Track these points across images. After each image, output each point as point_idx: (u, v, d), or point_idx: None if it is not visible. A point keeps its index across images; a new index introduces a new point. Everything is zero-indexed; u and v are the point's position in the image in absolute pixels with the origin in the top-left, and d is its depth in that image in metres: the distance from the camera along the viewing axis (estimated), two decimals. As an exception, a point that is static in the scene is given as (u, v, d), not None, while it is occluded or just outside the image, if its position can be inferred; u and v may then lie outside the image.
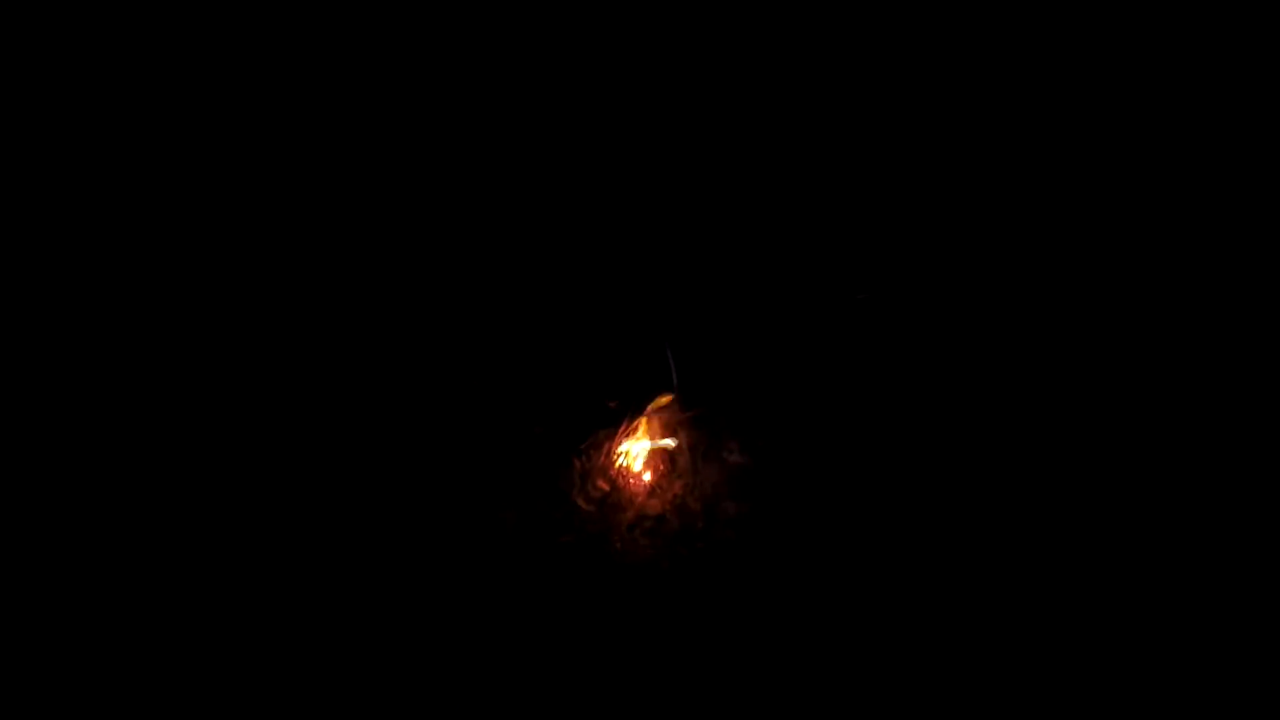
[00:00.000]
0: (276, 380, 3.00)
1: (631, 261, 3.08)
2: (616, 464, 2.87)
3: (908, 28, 3.17)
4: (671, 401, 2.89)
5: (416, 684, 2.60)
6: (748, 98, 3.18)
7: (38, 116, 3.04)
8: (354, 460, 2.89)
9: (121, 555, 2.75)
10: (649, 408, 2.88)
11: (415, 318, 3.04)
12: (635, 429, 2.88)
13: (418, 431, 2.92)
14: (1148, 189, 3.07)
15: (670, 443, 2.88)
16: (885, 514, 2.79)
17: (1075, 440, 2.85)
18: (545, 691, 2.60)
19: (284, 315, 3.06)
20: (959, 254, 3.09)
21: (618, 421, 2.88)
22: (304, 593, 2.71)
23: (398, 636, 2.65)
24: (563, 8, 3.17)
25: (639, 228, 3.12)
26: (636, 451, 2.89)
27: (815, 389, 2.96)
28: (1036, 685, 2.55)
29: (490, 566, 2.80)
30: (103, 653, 2.62)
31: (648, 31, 3.17)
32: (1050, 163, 3.12)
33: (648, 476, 2.88)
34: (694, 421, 2.90)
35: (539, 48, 3.18)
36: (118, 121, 3.08)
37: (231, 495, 2.84)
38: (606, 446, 2.88)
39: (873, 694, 2.56)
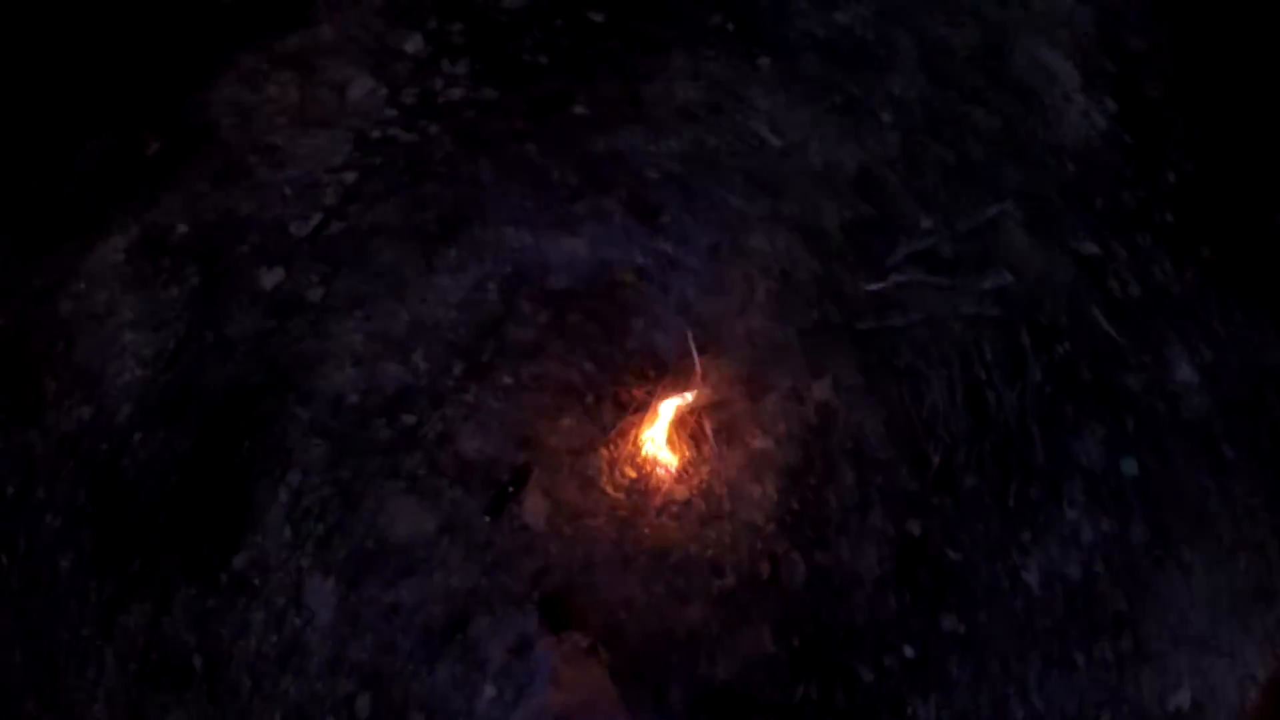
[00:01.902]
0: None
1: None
2: (643, 451, 2.91)
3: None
4: (695, 388, 2.92)
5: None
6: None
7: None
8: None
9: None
10: (673, 396, 2.92)
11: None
12: (660, 417, 2.92)
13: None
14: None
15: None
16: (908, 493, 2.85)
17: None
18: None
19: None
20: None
21: (643, 409, 2.92)
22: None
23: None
24: None
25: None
26: (662, 437, 2.93)
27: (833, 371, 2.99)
28: None
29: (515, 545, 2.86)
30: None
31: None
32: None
33: (674, 463, 2.93)
34: (717, 406, 2.94)
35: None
36: None
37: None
38: (633, 434, 2.92)
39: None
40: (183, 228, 3.36)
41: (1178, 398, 2.92)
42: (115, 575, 3.03)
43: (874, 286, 3.07)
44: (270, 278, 3.30)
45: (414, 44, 3.54)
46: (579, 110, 3.36)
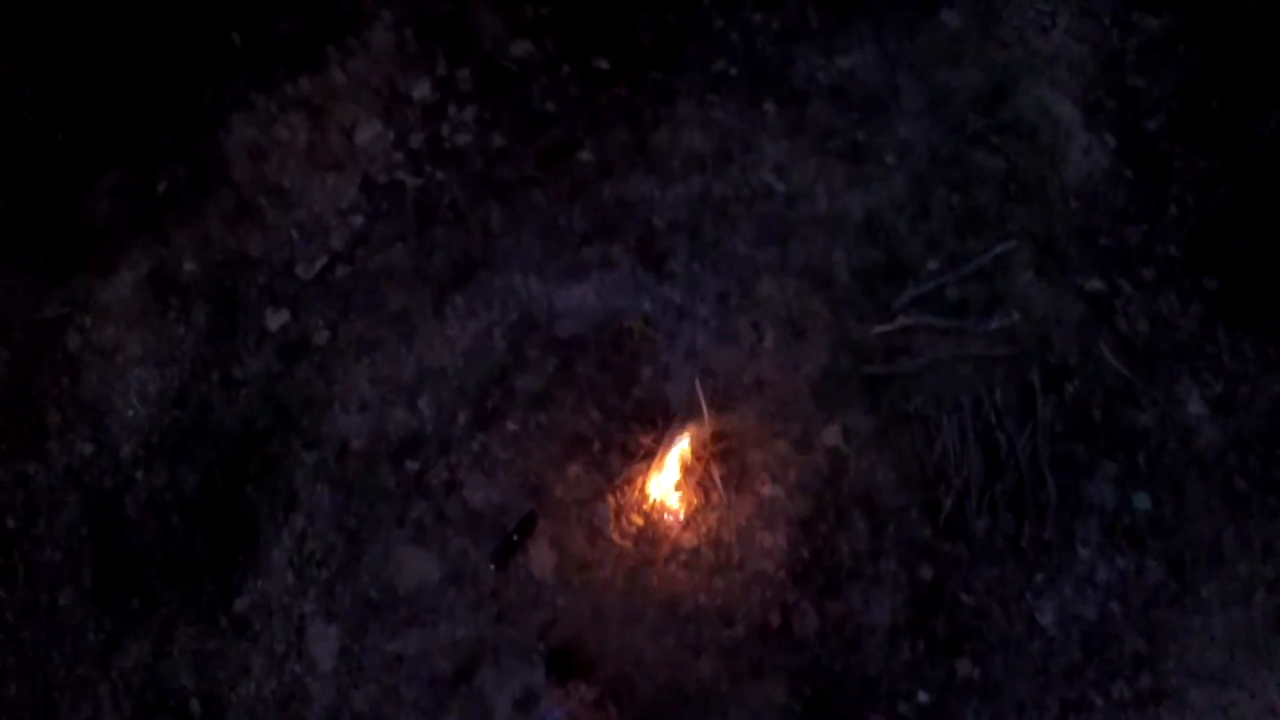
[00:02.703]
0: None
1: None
2: (650, 499, 2.89)
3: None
4: (702, 437, 2.90)
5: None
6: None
7: None
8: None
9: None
10: (681, 443, 2.90)
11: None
12: (668, 465, 2.90)
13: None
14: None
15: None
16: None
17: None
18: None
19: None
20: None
21: (650, 457, 2.90)
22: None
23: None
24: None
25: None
26: (670, 486, 2.91)
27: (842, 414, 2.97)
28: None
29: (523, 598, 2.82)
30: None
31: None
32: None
33: (682, 511, 2.90)
34: (726, 454, 2.92)
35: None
36: None
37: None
38: (640, 482, 2.90)
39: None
40: (191, 266, 3.40)
41: (1189, 432, 2.91)
42: (114, 613, 3.03)
43: (882, 329, 3.07)
44: (277, 319, 3.32)
45: (422, 90, 3.57)
46: (586, 157, 3.38)
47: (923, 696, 2.73)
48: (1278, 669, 2.71)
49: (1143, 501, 2.87)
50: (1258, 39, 3.27)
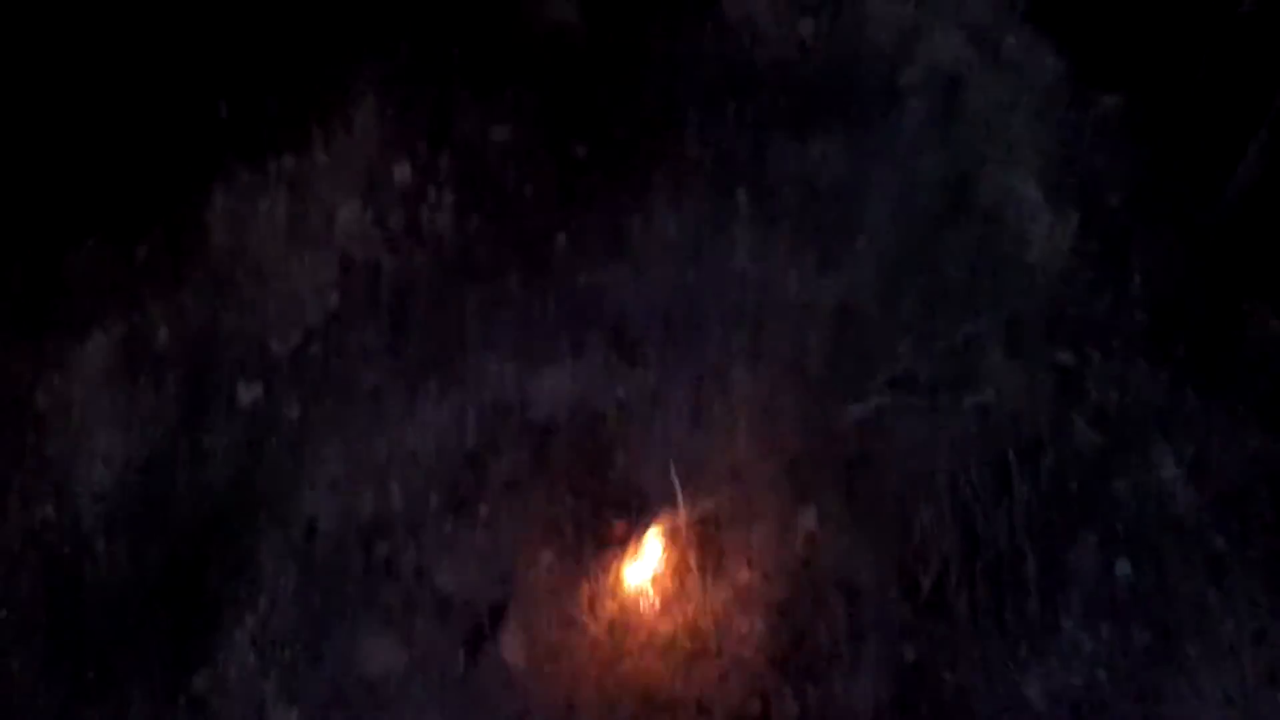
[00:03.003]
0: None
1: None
2: (625, 586, 2.86)
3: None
4: (677, 523, 2.89)
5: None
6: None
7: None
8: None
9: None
10: (655, 528, 2.88)
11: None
12: (643, 551, 2.88)
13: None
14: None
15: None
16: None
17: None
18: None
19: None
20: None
21: (625, 543, 2.88)
22: None
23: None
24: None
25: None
26: (645, 572, 2.88)
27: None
28: None
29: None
30: None
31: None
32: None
33: (658, 599, 2.86)
34: (702, 540, 2.90)
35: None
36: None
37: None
38: (615, 568, 2.88)
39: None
40: (165, 334, 3.35)
41: (1165, 496, 2.95)
42: (68, 683, 2.89)
43: (856, 409, 3.10)
44: (249, 393, 3.30)
45: (402, 172, 3.64)
46: (562, 244, 3.44)
47: (913, 780, 2.69)
48: (1270, 722, 2.70)
49: (1124, 568, 2.88)
50: (1212, 106, 3.42)
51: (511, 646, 2.82)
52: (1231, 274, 3.17)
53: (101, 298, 3.42)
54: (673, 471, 2.89)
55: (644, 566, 2.88)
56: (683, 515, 2.90)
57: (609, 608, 2.85)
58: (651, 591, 2.87)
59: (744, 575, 2.88)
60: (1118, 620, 2.80)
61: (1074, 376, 3.14)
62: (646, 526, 2.88)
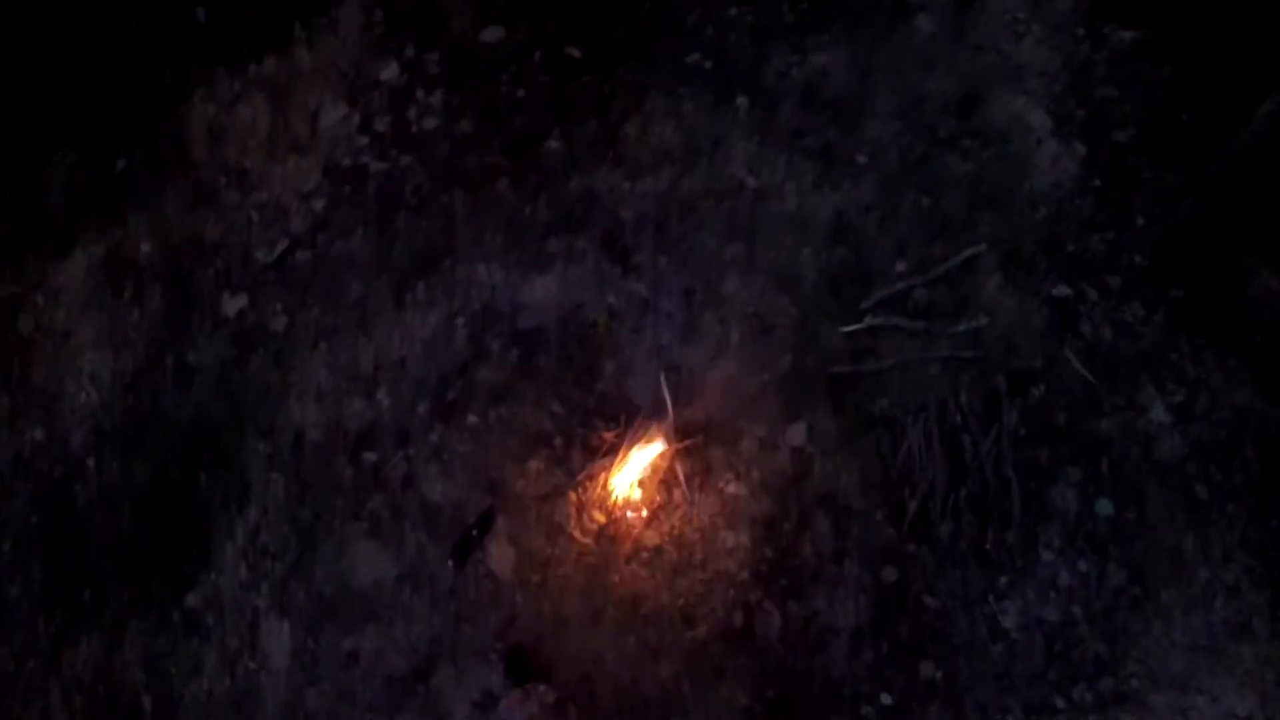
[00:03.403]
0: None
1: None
2: (613, 496, 2.85)
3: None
4: (666, 433, 2.87)
5: None
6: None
7: None
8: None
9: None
10: (644, 439, 2.86)
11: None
12: (631, 462, 2.86)
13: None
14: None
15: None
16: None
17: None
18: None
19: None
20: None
21: (613, 454, 2.86)
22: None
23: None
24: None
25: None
26: (632, 482, 2.87)
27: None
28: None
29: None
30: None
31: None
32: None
33: (645, 509, 2.86)
34: (689, 452, 2.89)
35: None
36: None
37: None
38: (602, 478, 2.86)
39: None
40: (147, 248, 3.31)
41: (1151, 440, 2.94)
42: (65, 606, 2.96)
43: (849, 329, 3.06)
44: (233, 304, 3.24)
45: (390, 72, 3.50)
46: (554, 147, 3.33)
47: (885, 699, 2.72)
48: (1237, 674, 2.73)
49: (1105, 508, 2.88)
50: (1228, 57, 3.33)
51: (499, 557, 2.82)
52: (1234, 227, 3.12)
53: (81, 214, 3.37)
54: (663, 382, 2.85)
55: (632, 477, 2.85)
56: (671, 426, 2.85)
57: (596, 518, 2.84)
58: (639, 502, 2.86)
59: (731, 489, 2.86)
60: (1095, 558, 2.81)
61: (1069, 311, 3.09)
62: (635, 437, 2.84)
